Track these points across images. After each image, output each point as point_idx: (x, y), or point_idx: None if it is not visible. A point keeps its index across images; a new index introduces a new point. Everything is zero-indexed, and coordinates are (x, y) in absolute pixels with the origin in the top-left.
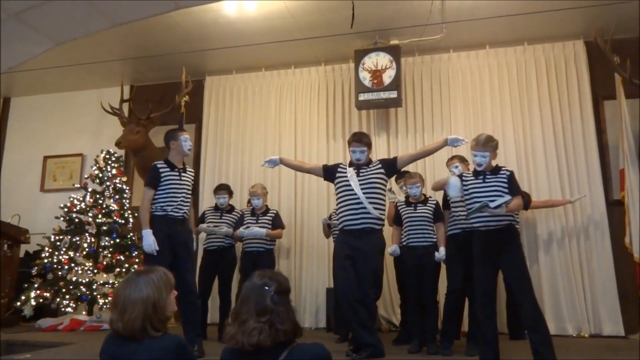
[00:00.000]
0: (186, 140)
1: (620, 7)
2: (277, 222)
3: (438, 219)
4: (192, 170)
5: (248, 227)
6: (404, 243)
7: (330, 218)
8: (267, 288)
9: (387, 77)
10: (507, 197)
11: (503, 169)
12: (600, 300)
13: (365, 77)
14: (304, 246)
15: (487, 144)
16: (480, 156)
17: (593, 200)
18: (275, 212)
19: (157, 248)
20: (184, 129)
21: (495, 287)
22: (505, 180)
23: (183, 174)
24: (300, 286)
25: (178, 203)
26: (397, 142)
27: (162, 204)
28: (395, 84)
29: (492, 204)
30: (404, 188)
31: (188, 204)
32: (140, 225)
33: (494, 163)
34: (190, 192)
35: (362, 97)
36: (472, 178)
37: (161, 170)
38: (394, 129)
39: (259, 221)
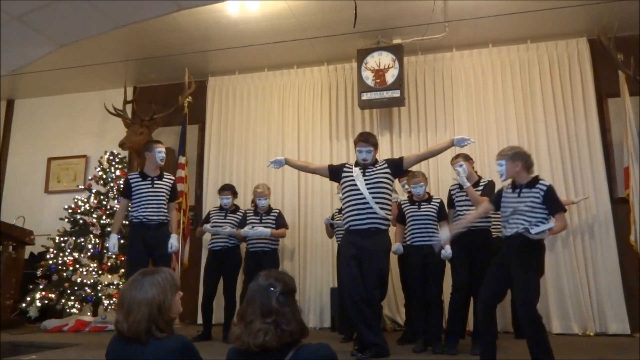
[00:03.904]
0: (160, 152)
1: (624, 5)
2: (280, 222)
3: (442, 218)
4: (171, 177)
5: (253, 227)
6: (409, 242)
7: (333, 218)
8: (272, 289)
9: (390, 77)
10: (526, 227)
11: (540, 182)
12: (605, 299)
13: (368, 77)
14: (307, 246)
15: (502, 152)
16: (497, 165)
17: (598, 198)
18: (277, 211)
19: (117, 250)
20: (160, 141)
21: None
22: (538, 196)
23: (157, 182)
24: (305, 286)
25: (150, 210)
26: (401, 141)
27: (137, 212)
28: (398, 83)
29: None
30: (407, 187)
31: (162, 209)
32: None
33: (524, 175)
34: (165, 198)
35: (365, 96)
36: (510, 191)
37: (131, 180)
38: (397, 128)
39: (263, 221)
